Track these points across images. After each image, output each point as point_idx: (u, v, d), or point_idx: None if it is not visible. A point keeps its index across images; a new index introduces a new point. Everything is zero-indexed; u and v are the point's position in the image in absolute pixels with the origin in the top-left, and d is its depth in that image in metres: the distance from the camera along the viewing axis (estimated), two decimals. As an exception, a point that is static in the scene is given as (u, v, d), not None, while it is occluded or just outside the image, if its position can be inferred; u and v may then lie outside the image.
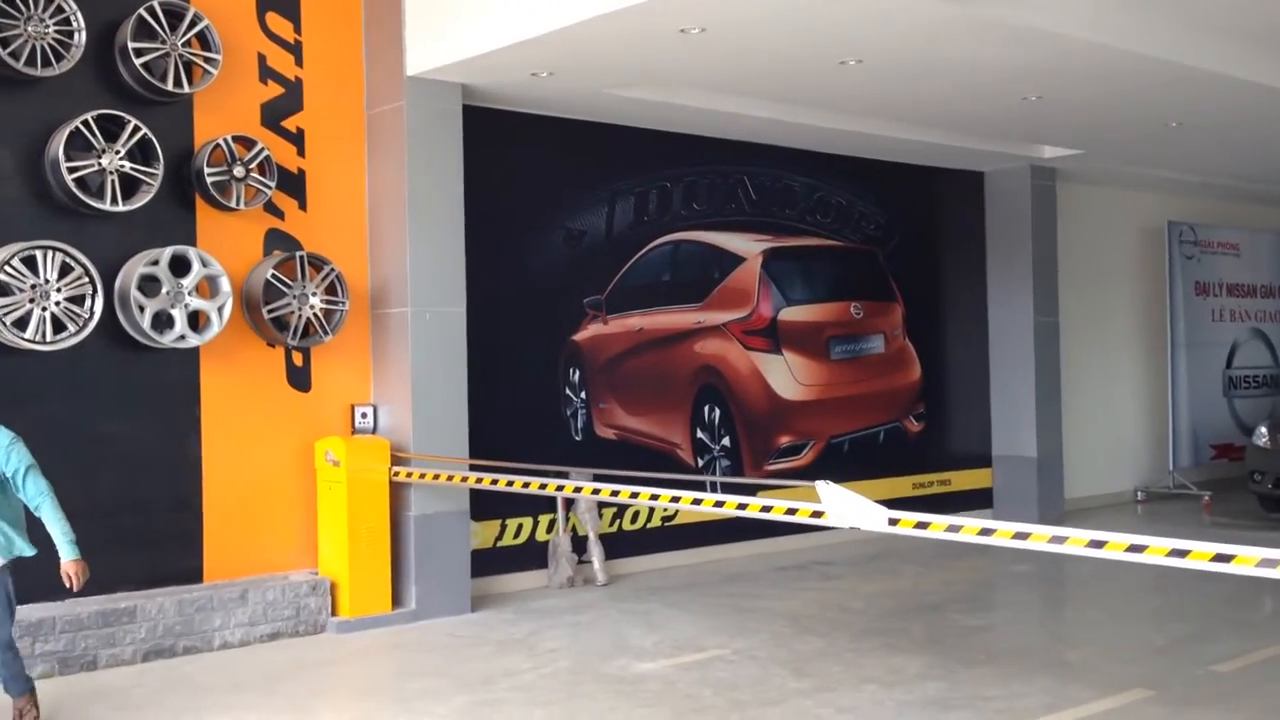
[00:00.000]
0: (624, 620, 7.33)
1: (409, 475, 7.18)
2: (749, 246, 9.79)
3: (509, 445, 8.16)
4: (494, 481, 6.77)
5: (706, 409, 9.44)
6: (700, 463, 9.37)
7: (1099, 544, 4.24)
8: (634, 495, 5.91)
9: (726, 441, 9.53)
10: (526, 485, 6.61)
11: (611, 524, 8.82)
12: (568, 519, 8.46)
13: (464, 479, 7.04)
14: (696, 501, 5.72)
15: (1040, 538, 4.44)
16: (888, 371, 10.72)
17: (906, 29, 6.71)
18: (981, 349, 11.47)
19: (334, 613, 7.08)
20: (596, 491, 6.22)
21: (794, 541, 9.82)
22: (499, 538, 8.25)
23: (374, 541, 7.17)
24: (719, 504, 5.64)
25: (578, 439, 8.74)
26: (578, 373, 8.77)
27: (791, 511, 5.33)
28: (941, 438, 11.13)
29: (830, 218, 10.37)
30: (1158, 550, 4.08)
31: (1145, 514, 11.93)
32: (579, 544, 8.49)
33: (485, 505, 7.94)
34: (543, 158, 8.65)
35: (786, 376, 9.89)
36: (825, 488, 5.06)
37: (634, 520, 8.98)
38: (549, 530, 8.48)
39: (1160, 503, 12.42)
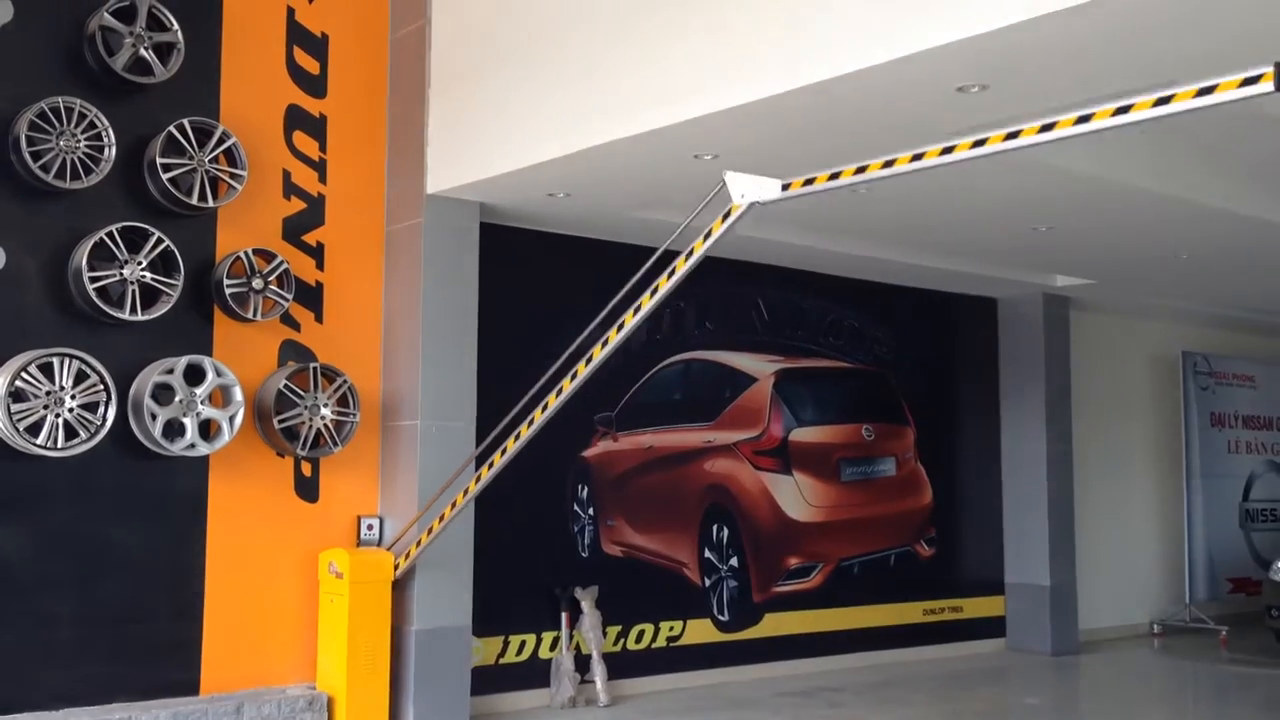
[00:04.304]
0: (623, 744, 7.22)
1: (407, 558, 7.15)
2: (761, 367, 9.85)
3: (515, 560, 8.16)
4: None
5: (715, 528, 9.40)
6: (708, 582, 9.30)
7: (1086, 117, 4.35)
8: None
9: (735, 562, 9.47)
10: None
11: (616, 643, 8.73)
12: (571, 637, 8.38)
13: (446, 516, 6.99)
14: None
15: (1030, 131, 4.54)
16: (899, 495, 10.68)
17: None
18: (994, 474, 11.42)
19: (330, 728, 7.01)
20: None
21: (801, 666, 9.70)
22: (501, 654, 8.18)
23: (374, 656, 7.11)
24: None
25: (584, 556, 8.71)
26: (586, 489, 8.77)
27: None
28: (953, 563, 11.03)
29: (843, 340, 10.45)
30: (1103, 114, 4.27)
31: (1162, 648, 11.72)
32: (582, 663, 8.40)
33: (488, 620, 7.89)
34: (558, 275, 8.78)
35: (796, 497, 9.86)
36: (732, 175, 5.42)
37: (638, 640, 8.89)
38: (552, 648, 8.39)
39: (1176, 636, 12.20)
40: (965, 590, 11.05)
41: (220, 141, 6.88)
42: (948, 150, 4.84)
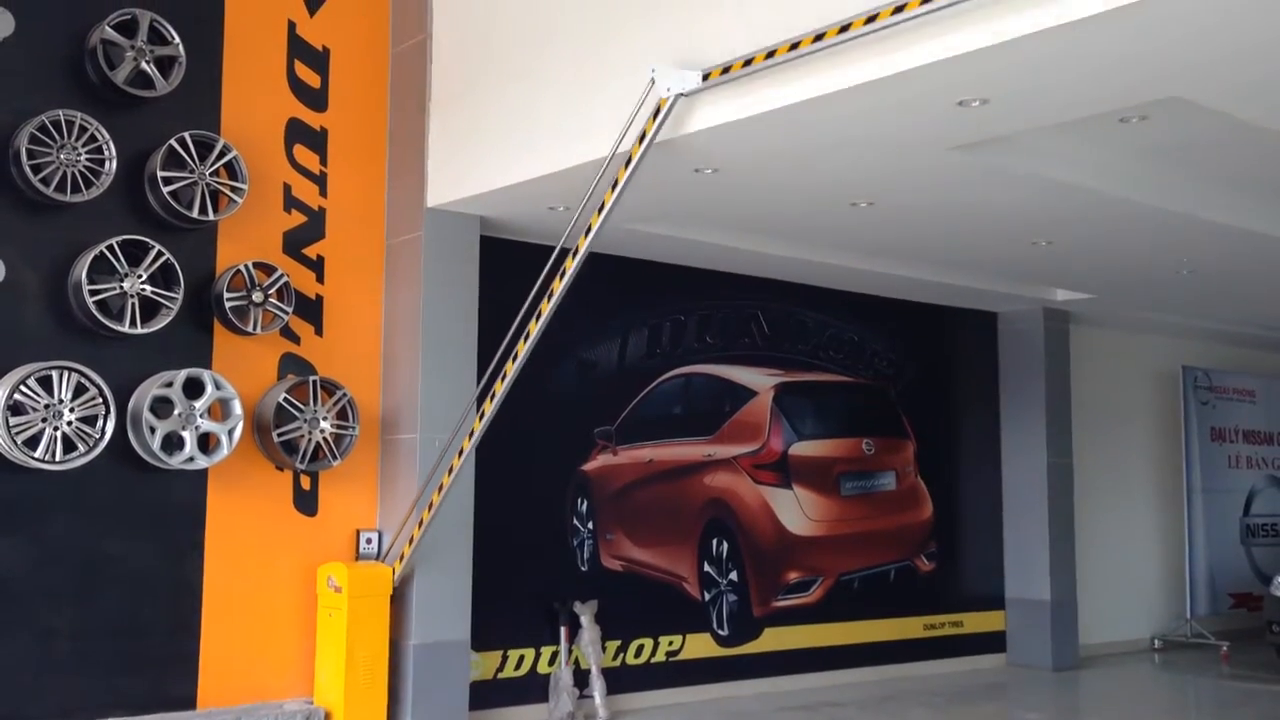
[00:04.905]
0: (623, 760, 7.19)
1: (401, 559, 7.14)
2: (761, 381, 9.84)
3: (514, 574, 8.13)
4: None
5: (715, 542, 9.38)
6: (707, 596, 9.27)
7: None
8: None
9: (734, 576, 9.44)
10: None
11: (615, 658, 8.70)
12: (570, 651, 8.35)
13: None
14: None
15: None
16: (899, 509, 10.65)
17: (915, 174, 6.85)
18: (994, 489, 11.39)
19: (328, 743, 6.98)
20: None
21: (801, 681, 9.67)
22: (500, 669, 8.15)
23: (372, 671, 7.09)
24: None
25: (584, 569, 8.68)
26: (585, 503, 8.75)
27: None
28: (953, 578, 11.00)
29: (843, 354, 10.44)
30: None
31: (1162, 663, 11.69)
32: (581, 678, 8.37)
33: (487, 635, 7.87)
34: (558, 289, 8.76)
35: (796, 511, 9.83)
36: (661, 67, 5.76)
37: (638, 655, 8.86)
38: (551, 662, 8.37)
39: (1177, 652, 12.17)
40: (965, 605, 11.02)
41: (221, 155, 6.88)
42: (871, 19, 4.99)
